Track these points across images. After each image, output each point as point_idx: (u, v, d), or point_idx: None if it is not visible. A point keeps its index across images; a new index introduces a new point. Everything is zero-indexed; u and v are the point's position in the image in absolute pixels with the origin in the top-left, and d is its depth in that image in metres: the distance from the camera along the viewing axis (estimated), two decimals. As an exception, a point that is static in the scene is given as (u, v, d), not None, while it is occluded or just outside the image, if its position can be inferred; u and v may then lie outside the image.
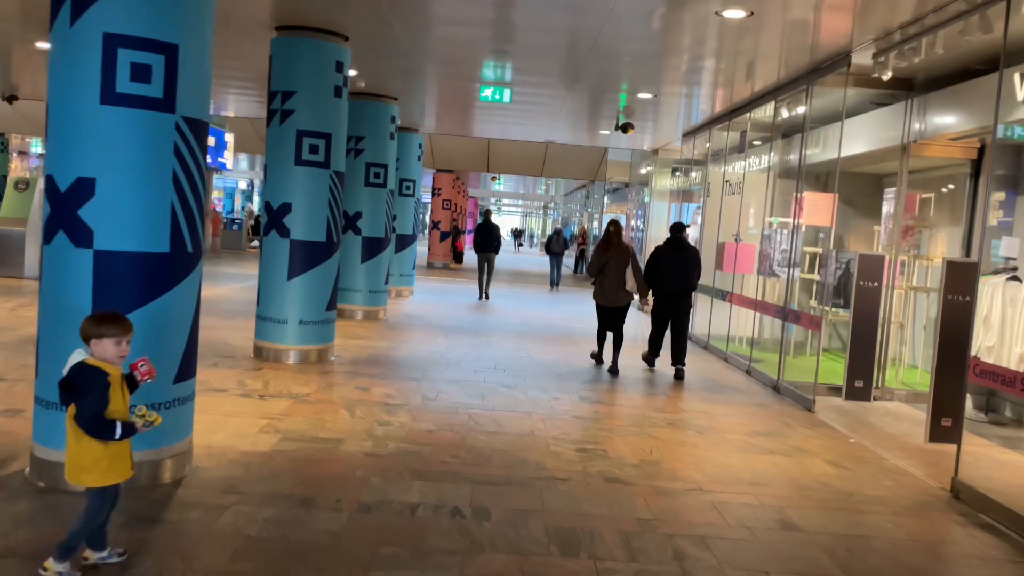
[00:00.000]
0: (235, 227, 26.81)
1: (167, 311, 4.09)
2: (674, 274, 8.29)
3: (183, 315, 4.20)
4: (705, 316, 10.85)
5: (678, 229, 8.55)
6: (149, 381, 3.15)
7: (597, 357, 8.68)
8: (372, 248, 11.11)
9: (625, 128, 11.26)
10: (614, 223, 8.35)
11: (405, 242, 14.32)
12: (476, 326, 11.29)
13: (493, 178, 29.73)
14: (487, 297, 15.06)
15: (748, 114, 9.76)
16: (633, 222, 19.13)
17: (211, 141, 15.15)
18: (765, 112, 9.38)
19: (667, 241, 8.53)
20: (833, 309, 8.75)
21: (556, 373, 8.04)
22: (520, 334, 10.75)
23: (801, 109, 8.34)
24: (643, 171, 17.23)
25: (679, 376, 8.19)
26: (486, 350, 9.12)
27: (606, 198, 25.15)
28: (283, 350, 7.62)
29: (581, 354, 9.15)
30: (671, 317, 8.38)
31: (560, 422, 6.02)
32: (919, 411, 7.07)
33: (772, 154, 9.67)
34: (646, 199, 17.11)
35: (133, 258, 3.96)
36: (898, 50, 6.27)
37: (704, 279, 9.74)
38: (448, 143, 20.42)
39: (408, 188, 14.34)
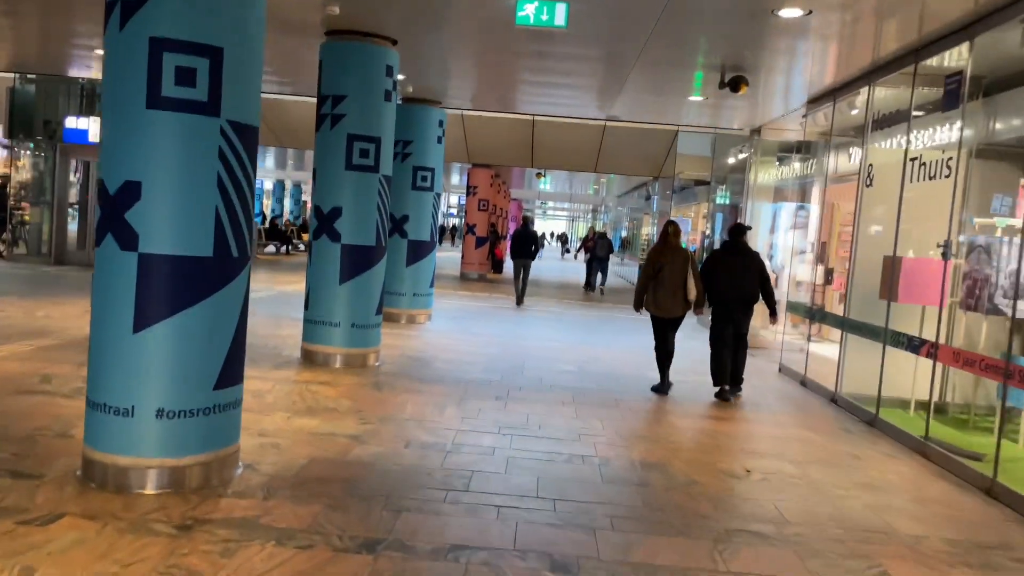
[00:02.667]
0: None
1: (209, 316, 4.05)
2: (731, 282, 7.38)
3: (226, 320, 4.14)
4: (863, 365, 7.29)
5: (739, 231, 7.70)
6: None
7: (661, 388, 7.47)
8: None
9: (735, 84, 8.02)
10: (672, 223, 7.65)
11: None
12: (509, 379, 7.54)
13: (538, 175, 25.41)
14: (521, 303, 14.85)
15: (944, 54, 6.39)
16: (705, 228, 16.28)
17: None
18: (958, 55, 6.17)
19: (724, 244, 7.82)
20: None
21: (669, 518, 4.18)
22: (578, 395, 7.07)
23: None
24: (734, 159, 13.49)
25: (726, 398, 7.30)
26: (523, 443, 5.38)
27: (673, 199, 20.09)
28: (331, 353, 7.62)
29: (711, 457, 5.49)
30: (727, 329, 7.46)
31: None
32: None
33: (964, 124, 6.01)
34: (723, 199, 14.31)
35: (176, 261, 3.95)
36: None
37: (863, 310, 7.36)
38: (485, 129, 17.02)
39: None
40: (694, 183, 18.57)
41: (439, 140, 11.16)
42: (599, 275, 20.00)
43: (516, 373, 7.90)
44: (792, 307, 9.44)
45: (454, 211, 50.30)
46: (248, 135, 4.18)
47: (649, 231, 24.25)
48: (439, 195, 9.37)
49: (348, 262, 7.61)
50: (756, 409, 7.27)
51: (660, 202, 22.23)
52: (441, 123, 11.23)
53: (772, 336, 10.50)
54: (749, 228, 8.32)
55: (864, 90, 7.86)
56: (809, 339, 8.85)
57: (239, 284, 4.20)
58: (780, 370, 9.37)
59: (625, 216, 34.49)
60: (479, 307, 14.04)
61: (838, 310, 8.40)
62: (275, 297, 13.00)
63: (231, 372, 4.20)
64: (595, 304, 16.62)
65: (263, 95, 4.53)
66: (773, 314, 7.59)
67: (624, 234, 34.12)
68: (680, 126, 14.41)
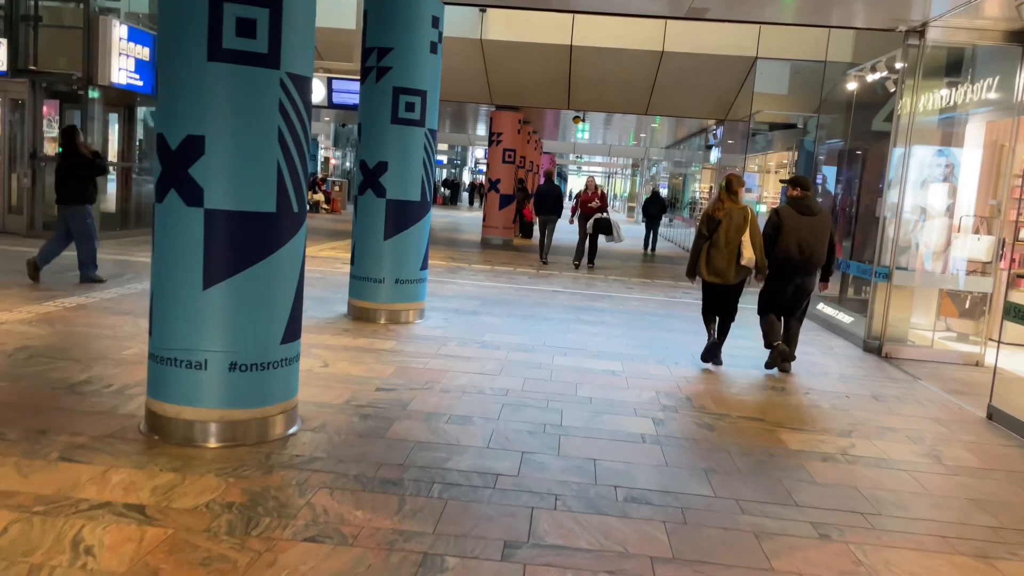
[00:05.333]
0: None
1: (275, 271, 4.05)
2: (796, 243, 6.42)
3: (290, 275, 4.16)
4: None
5: (805, 185, 6.65)
6: None
7: (711, 350, 6.73)
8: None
9: None
10: (733, 175, 6.69)
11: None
12: (532, 474, 3.97)
13: (576, 119, 20.84)
14: (546, 262, 14.44)
15: None
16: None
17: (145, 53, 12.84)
18: None
19: (791, 200, 6.66)
20: None
21: None
22: (687, 517, 3.58)
23: None
24: (872, 77, 8.82)
25: (784, 370, 6.67)
26: None
27: (748, 145, 15.56)
28: (377, 309, 7.64)
29: None
30: (788, 301, 6.62)
31: None
32: None
33: None
34: (810, 147, 11.52)
35: (242, 217, 3.92)
36: None
37: None
38: (510, 59, 14.15)
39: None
40: (768, 127, 15.56)
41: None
42: (650, 236, 19.09)
43: (546, 451, 4.32)
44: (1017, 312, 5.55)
45: (484, 168, 49.16)
46: (305, 87, 4.12)
47: (707, 188, 20.20)
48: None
49: (394, 217, 7.57)
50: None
51: (724, 151, 18.59)
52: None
53: (918, 341, 8.12)
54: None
55: None
56: (999, 346, 5.93)
57: (299, 239, 4.20)
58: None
59: (673, 171, 30.42)
60: (498, 289, 10.73)
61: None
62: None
63: (294, 327, 4.24)
64: (652, 277, 13.85)
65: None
66: (825, 280, 6.79)
67: (665, 192, 32.50)
68: (796, 24, 10.23)
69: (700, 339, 7.15)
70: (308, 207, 25.94)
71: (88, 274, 8.53)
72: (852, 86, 9.95)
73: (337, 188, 28.85)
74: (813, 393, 6.17)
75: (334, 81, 13.21)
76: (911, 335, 8.17)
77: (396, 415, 4.79)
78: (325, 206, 25.78)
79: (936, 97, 8.15)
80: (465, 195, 46.94)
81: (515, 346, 7.03)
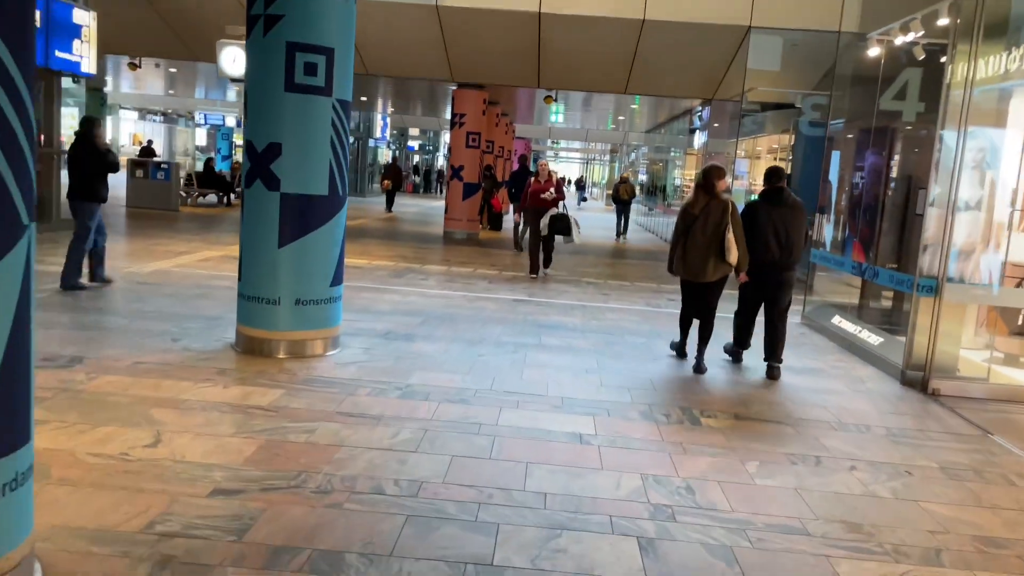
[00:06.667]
0: (161, 175, 18.34)
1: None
2: (775, 237, 6.40)
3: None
4: None
5: (777, 176, 6.62)
6: None
7: (679, 348, 6.97)
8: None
9: None
10: (714, 166, 6.50)
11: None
12: None
13: (547, 98, 18.34)
14: (521, 249, 13.48)
15: None
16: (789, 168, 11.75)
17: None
18: None
19: (764, 193, 6.63)
20: None
21: None
22: None
23: None
24: (903, 40, 7.85)
25: (772, 375, 6.52)
26: None
27: (740, 127, 14.35)
28: (272, 339, 5.96)
29: None
30: (767, 296, 6.63)
31: None
32: None
33: None
34: (807, 131, 11.07)
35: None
36: None
37: None
38: (472, 29, 12.65)
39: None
40: (760, 107, 14.42)
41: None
42: (622, 221, 19.39)
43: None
44: None
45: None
46: (347, 108, 6.02)
47: (692, 176, 18.44)
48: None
49: (292, 217, 5.81)
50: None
51: (711, 136, 17.34)
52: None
53: (967, 369, 6.85)
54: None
55: None
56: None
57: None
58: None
59: (654, 157, 29.24)
60: (447, 300, 8.97)
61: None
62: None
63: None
64: (630, 279, 12.16)
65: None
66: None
67: (644, 179, 31.06)
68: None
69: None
70: (237, 196, 23.64)
71: (71, 282, 7.88)
72: (875, 52, 8.26)
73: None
74: (861, 466, 4.64)
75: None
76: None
77: (217, 557, 2.91)
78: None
79: (989, 64, 6.58)
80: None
81: (451, 393, 5.43)
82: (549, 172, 11.49)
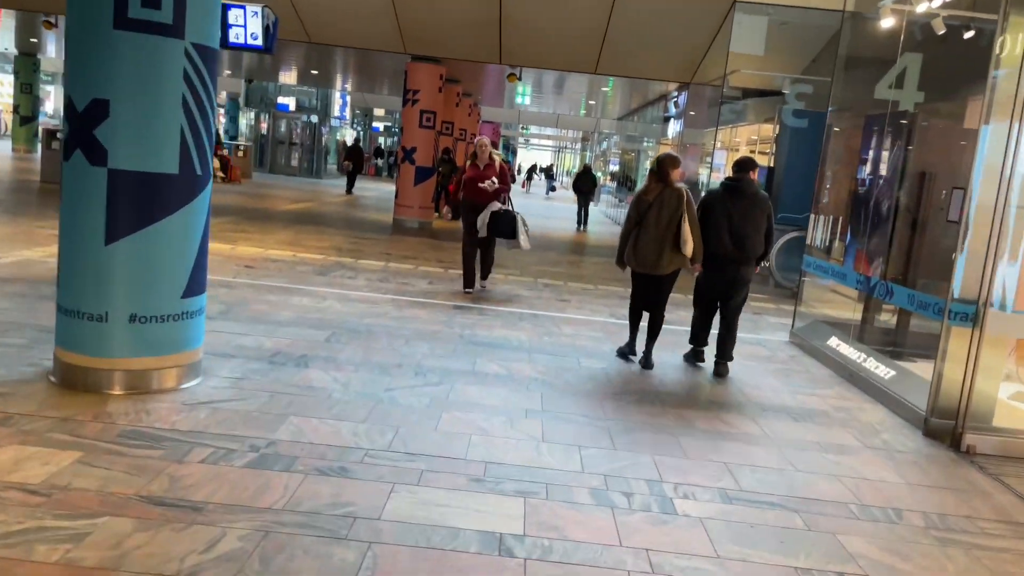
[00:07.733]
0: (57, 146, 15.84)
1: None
2: (729, 231, 6.18)
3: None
4: None
5: (743, 167, 6.34)
6: None
7: (626, 351, 6.55)
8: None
9: None
10: (668, 155, 6.28)
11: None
12: None
13: (510, 76, 16.16)
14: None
15: None
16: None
17: None
18: None
19: (724, 184, 6.41)
20: None
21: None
22: None
23: None
24: (927, 5, 7.07)
25: (719, 372, 6.30)
26: None
27: (719, 114, 13.43)
28: (99, 370, 4.35)
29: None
30: (720, 293, 6.41)
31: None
32: None
33: None
34: (794, 117, 10.36)
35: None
36: None
37: None
38: None
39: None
40: (742, 93, 13.46)
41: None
42: (582, 212, 19.44)
43: None
44: None
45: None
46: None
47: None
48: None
49: (125, 203, 4.23)
50: None
51: (687, 125, 16.14)
52: None
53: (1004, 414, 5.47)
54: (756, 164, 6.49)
55: None
56: None
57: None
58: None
59: (626, 146, 27.53)
60: (371, 306, 7.41)
61: None
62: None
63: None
64: (592, 280, 10.63)
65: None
66: (756, 264, 6.43)
67: (616, 169, 29.62)
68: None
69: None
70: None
71: None
72: (888, 24, 6.96)
73: (241, 153, 24.83)
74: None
75: (229, 9, 8.74)
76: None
77: None
78: (221, 174, 21.63)
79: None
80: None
81: (328, 457, 3.88)
82: (491, 155, 8.53)
